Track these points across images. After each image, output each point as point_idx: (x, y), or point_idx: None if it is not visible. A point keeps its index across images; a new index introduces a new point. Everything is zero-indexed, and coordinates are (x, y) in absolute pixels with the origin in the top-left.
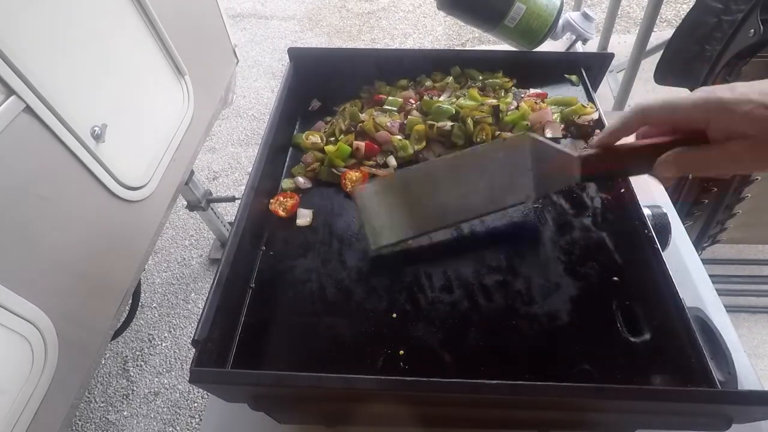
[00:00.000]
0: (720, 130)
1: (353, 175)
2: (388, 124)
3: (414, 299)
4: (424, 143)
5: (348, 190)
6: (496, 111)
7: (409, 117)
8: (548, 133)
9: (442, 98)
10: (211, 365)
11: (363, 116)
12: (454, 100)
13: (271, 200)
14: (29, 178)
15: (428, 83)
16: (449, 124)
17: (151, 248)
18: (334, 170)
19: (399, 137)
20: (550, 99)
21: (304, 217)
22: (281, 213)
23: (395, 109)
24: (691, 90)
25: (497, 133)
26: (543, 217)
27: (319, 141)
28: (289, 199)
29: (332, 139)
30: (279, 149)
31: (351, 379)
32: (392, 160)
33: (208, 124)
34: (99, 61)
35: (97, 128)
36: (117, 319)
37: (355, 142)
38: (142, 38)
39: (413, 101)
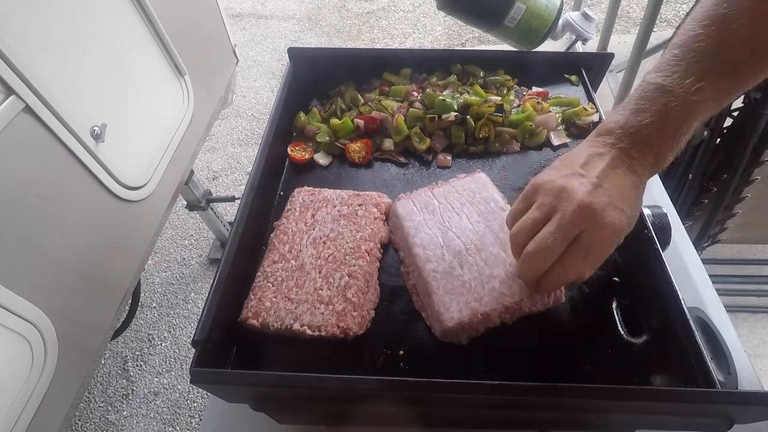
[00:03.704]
0: None
1: (355, 146)
2: (395, 108)
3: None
4: (427, 142)
5: (352, 159)
6: (500, 110)
7: (410, 109)
8: (554, 141)
9: (444, 93)
10: (211, 365)
11: (368, 96)
12: (457, 95)
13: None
14: (29, 178)
15: (432, 80)
16: (453, 114)
17: (150, 248)
18: (338, 143)
19: (398, 116)
20: (551, 99)
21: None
22: (298, 157)
23: (399, 98)
24: None
25: (499, 131)
26: None
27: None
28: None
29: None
30: (279, 149)
31: (351, 379)
32: (388, 142)
33: (207, 124)
34: (99, 61)
35: (96, 128)
36: (117, 318)
37: (356, 120)
38: (141, 38)
39: (416, 93)
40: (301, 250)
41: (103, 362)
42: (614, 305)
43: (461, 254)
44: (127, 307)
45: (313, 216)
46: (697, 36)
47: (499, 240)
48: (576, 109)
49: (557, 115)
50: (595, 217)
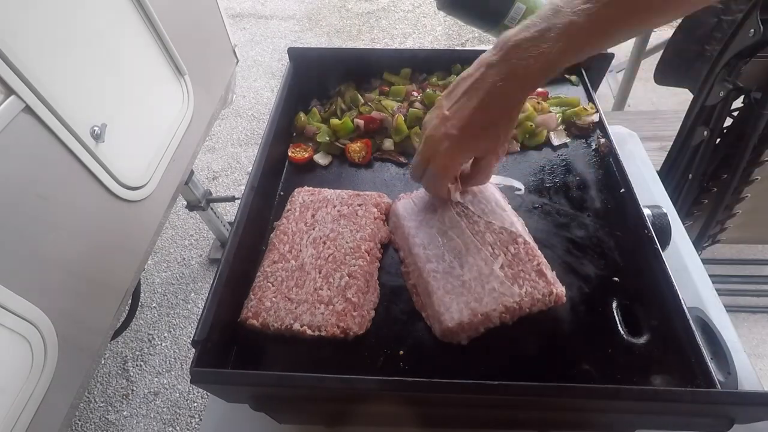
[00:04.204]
0: None
1: (355, 146)
2: (395, 108)
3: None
4: None
5: (352, 159)
6: None
7: (410, 109)
8: (554, 141)
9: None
10: (211, 365)
11: (368, 96)
12: None
13: (290, 146)
14: (29, 178)
15: (433, 80)
16: None
17: (150, 248)
18: (338, 143)
19: (398, 116)
20: (551, 99)
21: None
22: (298, 157)
23: (399, 98)
24: (691, 90)
25: None
26: (542, 217)
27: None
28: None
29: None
30: (279, 149)
31: (351, 379)
32: (388, 142)
33: (207, 124)
34: (99, 61)
35: (96, 128)
36: (117, 319)
37: (356, 120)
38: (141, 38)
39: (416, 93)
40: (301, 250)
41: (103, 362)
42: (614, 305)
43: (461, 254)
44: (127, 307)
45: (313, 216)
46: None
47: (499, 241)
48: (576, 109)
49: (557, 115)
50: (431, 145)
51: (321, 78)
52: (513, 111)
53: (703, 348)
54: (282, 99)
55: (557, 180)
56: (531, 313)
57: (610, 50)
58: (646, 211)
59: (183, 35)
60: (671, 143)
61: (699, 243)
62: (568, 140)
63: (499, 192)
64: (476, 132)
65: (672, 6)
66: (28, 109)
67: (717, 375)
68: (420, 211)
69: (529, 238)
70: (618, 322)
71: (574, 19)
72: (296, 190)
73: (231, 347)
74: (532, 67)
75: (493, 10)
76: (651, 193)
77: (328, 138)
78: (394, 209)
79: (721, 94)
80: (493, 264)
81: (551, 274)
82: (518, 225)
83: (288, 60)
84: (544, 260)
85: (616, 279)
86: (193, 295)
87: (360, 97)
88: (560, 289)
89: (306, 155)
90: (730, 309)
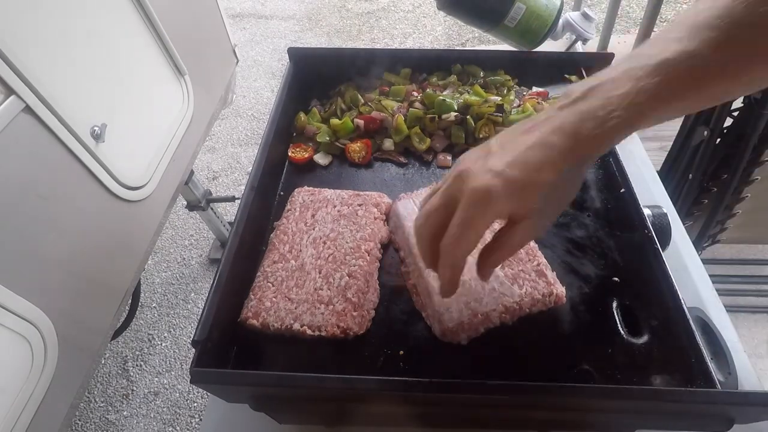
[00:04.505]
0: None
1: (355, 146)
2: (395, 108)
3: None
4: (427, 142)
5: (352, 159)
6: (499, 110)
7: (410, 109)
8: None
9: (444, 93)
10: (211, 365)
11: (368, 96)
12: (457, 95)
13: (290, 146)
14: (29, 178)
15: (433, 80)
16: (453, 114)
17: (150, 248)
18: (338, 143)
19: (398, 116)
20: (551, 99)
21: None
22: (299, 157)
23: (399, 98)
24: None
25: (499, 131)
26: None
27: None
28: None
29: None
30: (279, 149)
31: (351, 379)
32: (388, 142)
33: (207, 124)
34: (99, 60)
35: (96, 128)
36: (117, 318)
37: (356, 120)
38: (142, 38)
39: (416, 93)
40: (301, 250)
41: (103, 362)
42: (614, 305)
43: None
44: (127, 307)
45: (313, 216)
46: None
47: None
48: None
49: None
50: (464, 180)
51: (321, 78)
52: (577, 164)
53: (703, 348)
54: (282, 99)
55: None
56: (531, 313)
57: (609, 50)
58: (646, 211)
59: (183, 35)
60: (671, 143)
61: (699, 243)
62: None
63: None
64: (525, 175)
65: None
66: (28, 109)
67: (717, 375)
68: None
69: None
70: (618, 322)
71: (668, 56)
72: (296, 190)
73: (231, 347)
74: (609, 108)
75: (493, 10)
76: (651, 193)
77: (328, 138)
78: (394, 209)
79: None
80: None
81: (551, 275)
82: None
83: (288, 60)
84: (544, 260)
85: (616, 279)
86: (193, 295)
87: (360, 97)
88: (560, 290)
89: (306, 155)
90: (730, 309)
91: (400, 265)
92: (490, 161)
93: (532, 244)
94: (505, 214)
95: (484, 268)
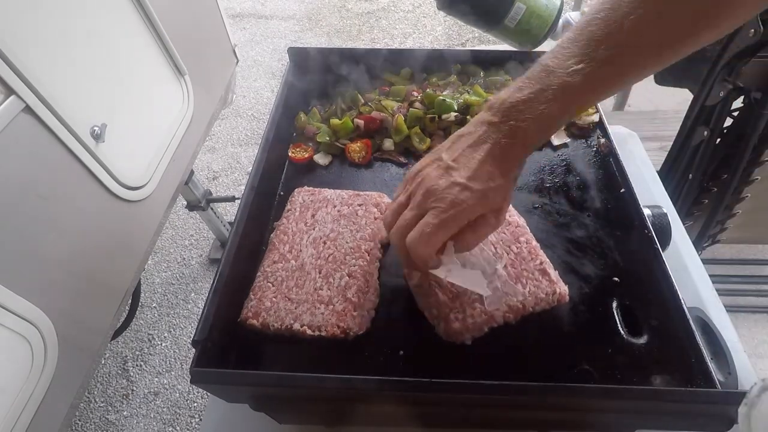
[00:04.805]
0: None
1: (355, 146)
2: (395, 108)
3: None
4: (427, 142)
5: (352, 159)
6: None
7: (410, 109)
8: (554, 141)
9: (444, 93)
10: (211, 365)
11: (368, 96)
12: (457, 95)
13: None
14: (29, 178)
15: (433, 80)
16: (453, 114)
17: (150, 248)
18: (338, 143)
19: (398, 116)
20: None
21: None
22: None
23: (399, 98)
24: (691, 90)
25: None
26: (543, 217)
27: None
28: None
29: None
30: (279, 149)
31: (351, 379)
32: (388, 142)
33: (207, 124)
34: (99, 60)
35: (96, 128)
36: (117, 319)
37: (356, 120)
38: (142, 38)
39: (416, 93)
40: (301, 250)
41: (103, 362)
42: (614, 305)
43: (465, 255)
44: (127, 307)
45: (313, 216)
46: (591, 20)
47: (502, 240)
48: None
49: None
50: (435, 196)
51: (321, 78)
52: (516, 170)
53: (703, 348)
54: (282, 99)
55: (557, 180)
56: (534, 312)
57: None
58: (646, 211)
59: (183, 35)
60: (671, 143)
61: (699, 243)
62: (568, 140)
63: None
64: (484, 185)
65: (665, 61)
66: (28, 109)
67: (717, 375)
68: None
69: (531, 237)
70: (618, 322)
71: (569, 80)
72: (296, 190)
73: (231, 347)
74: (530, 128)
75: (493, 10)
76: (651, 193)
77: (328, 138)
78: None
79: (721, 94)
80: (496, 264)
81: (554, 273)
82: (521, 223)
83: (288, 60)
84: (546, 259)
85: (616, 279)
86: (193, 295)
87: (360, 97)
88: (563, 288)
89: (306, 155)
90: (730, 309)
91: (403, 266)
92: (453, 176)
93: (534, 243)
94: (474, 216)
95: (460, 249)
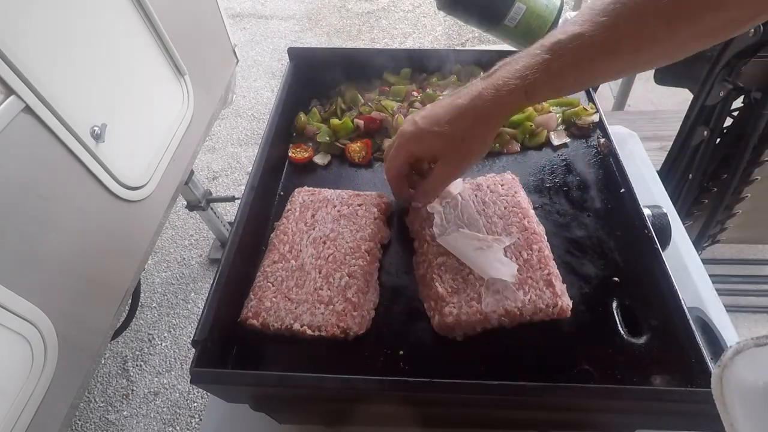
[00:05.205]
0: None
1: (355, 146)
2: (395, 108)
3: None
4: None
5: (352, 159)
6: None
7: (410, 109)
8: (554, 141)
9: (444, 93)
10: (211, 365)
11: (368, 96)
12: None
13: (290, 146)
14: (29, 178)
15: (433, 80)
16: None
17: (150, 248)
18: (338, 143)
19: (398, 116)
20: (551, 100)
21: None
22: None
23: (399, 98)
24: (691, 90)
25: (499, 131)
26: (543, 217)
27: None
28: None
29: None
30: (279, 149)
31: (351, 379)
32: (388, 142)
33: (207, 124)
34: (99, 61)
35: (96, 128)
36: (117, 318)
37: (356, 120)
38: (142, 38)
39: (416, 93)
40: (301, 250)
41: (103, 362)
42: (614, 305)
43: (471, 254)
44: (127, 307)
45: (313, 216)
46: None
47: (514, 245)
48: (576, 109)
49: (557, 115)
50: (399, 132)
51: (321, 78)
52: (487, 125)
53: (703, 348)
54: (282, 99)
55: (557, 180)
56: (531, 320)
57: None
58: (646, 211)
59: (183, 35)
60: (671, 143)
61: (699, 243)
62: (568, 140)
63: (523, 194)
64: (440, 125)
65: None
66: (28, 109)
67: None
68: (441, 205)
69: (546, 247)
70: (618, 322)
71: (561, 37)
72: (296, 190)
73: (231, 347)
74: (516, 87)
75: (493, 10)
76: (651, 193)
77: (328, 138)
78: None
79: (721, 94)
80: (489, 237)
81: (560, 286)
82: (538, 231)
83: (288, 60)
84: (556, 271)
85: (616, 279)
86: (193, 295)
87: (360, 97)
88: (566, 302)
89: (306, 155)
90: (730, 309)
91: (413, 255)
92: (418, 115)
93: (547, 252)
94: (416, 151)
95: (417, 197)
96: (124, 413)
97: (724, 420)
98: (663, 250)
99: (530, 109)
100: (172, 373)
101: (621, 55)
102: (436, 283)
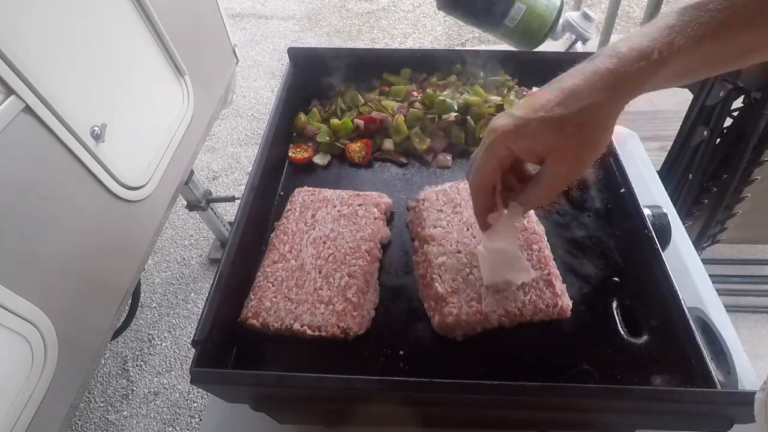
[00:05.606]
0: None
1: (355, 146)
2: (395, 108)
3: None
4: (427, 142)
5: (352, 159)
6: (499, 110)
7: (411, 109)
8: None
9: (444, 93)
10: (211, 365)
11: (368, 96)
12: (457, 95)
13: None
14: (29, 178)
15: (433, 80)
16: (453, 115)
17: (150, 248)
18: (338, 143)
19: (398, 116)
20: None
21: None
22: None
23: (399, 98)
24: (691, 90)
25: None
26: (543, 217)
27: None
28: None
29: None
30: (279, 149)
31: (351, 379)
32: (388, 142)
33: (207, 124)
34: (99, 61)
35: (96, 128)
36: (117, 318)
37: (356, 120)
38: (142, 38)
39: (416, 93)
40: (301, 250)
41: (103, 362)
42: (614, 305)
43: (472, 254)
44: (127, 307)
45: (313, 216)
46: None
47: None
48: None
49: None
50: (488, 128)
51: (321, 78)
52: (610, 105)
53: (703, 348)
54: (282, 99)
55: None
56: (531, 321)
57: None
58: (646, 211)
59: (183, 35)
60: (671, 143)
61: (699, 243)
62: None
63: None
64: (548, 109)
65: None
66: (28, 109)
67: (717, 375)
68: (441, 205)
69: (546, 247)
70: (618, 322)
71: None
72: (296, 190)
73: (231, 347)
74: (645, 51)
75: (493, 10)
76: (651, 193)
77: (328, 138)
78: (417, 199)
79: (721, 94)
80: (524, 273)
81: (560, 286)
82: (538, 231)
83: (288, 60)
84: (556, 271)
85: (616, 279)
86: (193, 295)
87: (360, 97)
88: (566, 303)
89: (306, 155)
90: (730, 309)
91: (413, 255)
92: (512, 108)
93: (547, 252)
94: (516, 148)
95: (519, 204)
96: (124, 413)
97: None
98: (663, 250)
99: None
100: (172, 373)
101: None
102: (436, 283)
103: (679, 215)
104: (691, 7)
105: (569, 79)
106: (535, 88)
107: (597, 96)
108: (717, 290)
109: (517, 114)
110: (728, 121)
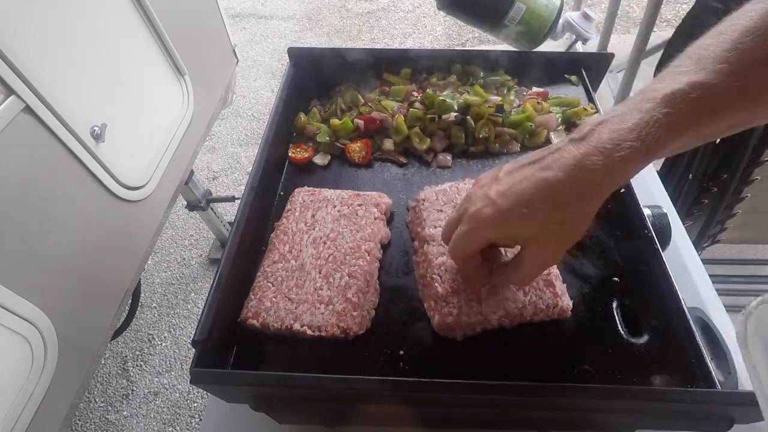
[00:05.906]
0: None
1: (355, 146)
2: (395, 108)
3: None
4: (427, 142)
5: (352, 159)
6: (499, 110)
7: (411, 109)
8: (554, 140)
9: (444, 93)
10: (211, 366)
11: (368, 96)
12: (457, 95)
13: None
14: (29, 178)
15: (433, 80)
16: (453, 115)
17: (150, 248)
18: (338, 143)
19: (398, 116)
20: (551, 100)
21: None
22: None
23: (399, 98)
24: None
25: (499, 131)
26: None
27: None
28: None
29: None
30: (279, 149)
31: (351, 379)
32: (388, 142)
33: (207, 124)
34: (99, 61)
35: (96, 128)
36: (117, 318)
37: (356, 120)
38: (142, 38)
39: (416, 93)
40: (301, 250)
41: (103, 362)
42: (614, 305)
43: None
44: (127, 307)
45: (313, 216)
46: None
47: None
48: (576, 109)
49: (557, 116)
50: (468, 203)
51: (321, 78)
52: (593, 201)
53: (703, 348)
54: (282, 99)
55: None
56: (531, 321)
57: (609, 50)
58: (646, 211)
59: (183, 35)
60: None
61: (699, 243)
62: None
63: None
64: (532, 207)
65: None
66: (28, 109)
67: (717, 375)
68: (441, 205)
69: None
70: (618, 322)
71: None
72: (296, 190)
73: (231, 347)
74: (633, 150)
75: (493, 10)
76: (651, 193)
77: (328, 138)
78: (417, 199)
79: None
80: None
81: (560, 286)
82: None
83: (288, 60)
84: (556, 271)
85: (616, 279)
86: (193, 295)
87: (360, 97)
88: (566, 303)
89: (306, 155)
90: (730, 309)
91: (413, 255)
92: (491, 188)
93: None
94: (497, 238)
95: (496, 282)
96: (124, 413)
97: (747, 362)
98: (663, 250)
99: (530, 109)
100: (172, 373)
101: (759, 104)
102: (436, 283)
103: (679, 215)
104: (669, 96)
105: (552, 171)
106: (535, 88)
107: (582, 196)
108: (717, 290)
109: (500, 206)
110: None
